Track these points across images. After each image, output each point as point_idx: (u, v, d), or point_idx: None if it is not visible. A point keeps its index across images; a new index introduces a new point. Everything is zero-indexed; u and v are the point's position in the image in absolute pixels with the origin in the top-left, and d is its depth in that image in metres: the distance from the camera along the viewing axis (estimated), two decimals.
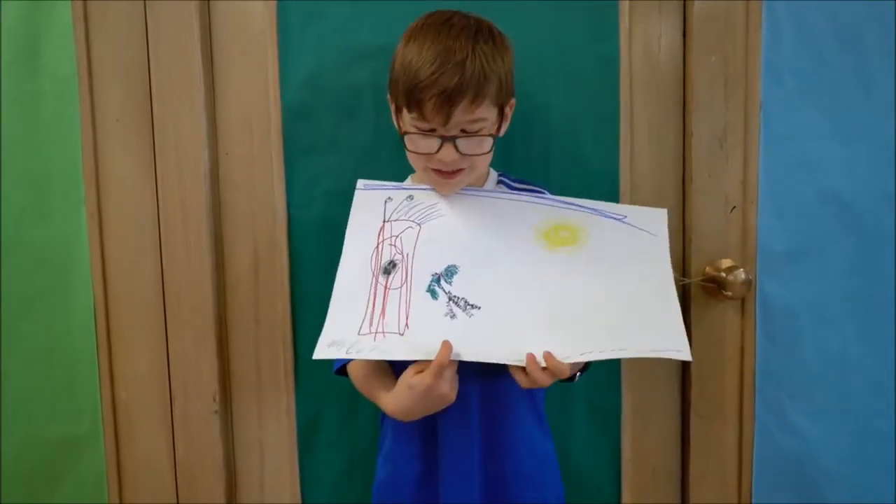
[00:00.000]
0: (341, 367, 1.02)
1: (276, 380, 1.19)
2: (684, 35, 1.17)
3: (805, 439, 1.22)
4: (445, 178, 0.95)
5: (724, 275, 1.14)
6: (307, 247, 1.16)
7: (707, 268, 1.17)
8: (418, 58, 0.88)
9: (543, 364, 0.86)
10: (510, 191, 1.03)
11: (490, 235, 0.96)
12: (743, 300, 1.18)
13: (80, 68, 1.10)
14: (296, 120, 1.15)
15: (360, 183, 0.99)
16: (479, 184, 1.02)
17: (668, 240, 0.99)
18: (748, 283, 1.14)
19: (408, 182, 1.05)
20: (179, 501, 1.18)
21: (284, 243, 1.17)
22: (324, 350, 0.87)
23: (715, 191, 1.17)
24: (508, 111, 0.97)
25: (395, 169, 1.07)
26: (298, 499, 1.22)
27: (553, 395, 1.14)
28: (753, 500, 1.23)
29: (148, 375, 1.16)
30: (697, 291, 1.18)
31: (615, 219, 0.99)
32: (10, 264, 1.13)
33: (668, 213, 1.00)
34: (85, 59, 1.11)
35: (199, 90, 1.11)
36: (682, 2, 1.17)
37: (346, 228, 0.96)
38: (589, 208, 0.99)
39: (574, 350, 0.87)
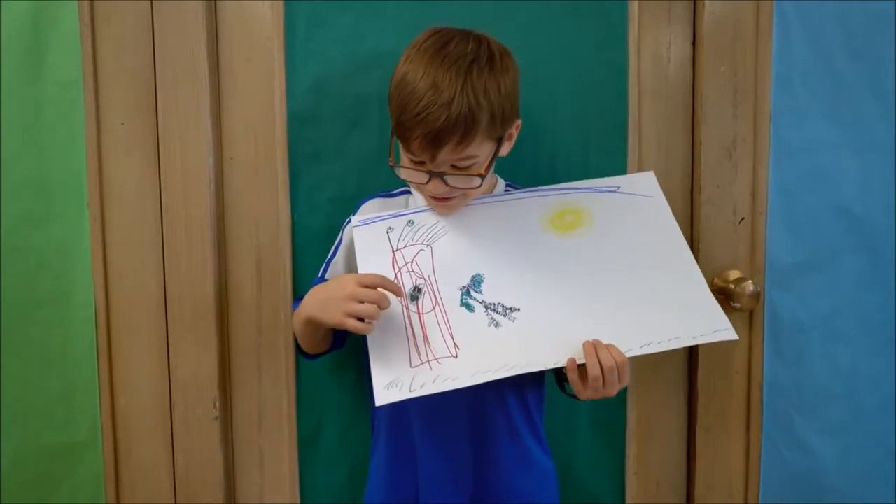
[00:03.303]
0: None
1: (278, 387, 1.18)
2: (693, 44, 1.17)
3: (814, 456, 1.20)
4: (440, 201, 0.95)
5: (732, 286, 1.13)
6: (311, 254, 1.15)
7: (715, 279, 1.16)
8: (410, 88, 0.86)
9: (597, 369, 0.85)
10: (503, 193, 1.02)
11: (501, 238, 0.96)
12: (751, 313, 1.17)
13: (85, 71, 1.10)
14: (301, 126, 1.15)
15: (355, 220, 0.97)
16: (484, 192, 1.01)
17: (665, 200, 1.00)
18: (756, 296, 1.13)
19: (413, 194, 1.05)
20: None
21: (288, 250, 1.16)
22: (384, 394, 0.84)
23: (723, 201, 1.16)
24: (514, 132, 0.96)
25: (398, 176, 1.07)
26: None
27: (557, 409, 1.13)
28: None
29: (148, 381, 1.15)
30: None
31: (610, 191, 1.00)
32: (10, 270, 1.12)
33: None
34: (90, 63, 1.10)
35: (204, 95, 1.11)
36: (691, 11, 1.16)
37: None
38: (583, 188, 1.00)
39: (634, 342, 0.87)
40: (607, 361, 0.84)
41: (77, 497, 1.16)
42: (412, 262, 0.94)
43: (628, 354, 0.86)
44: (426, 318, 0.90)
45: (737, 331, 1.15)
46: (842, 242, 1.18)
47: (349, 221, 1.06)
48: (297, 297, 1.14)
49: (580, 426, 1.21)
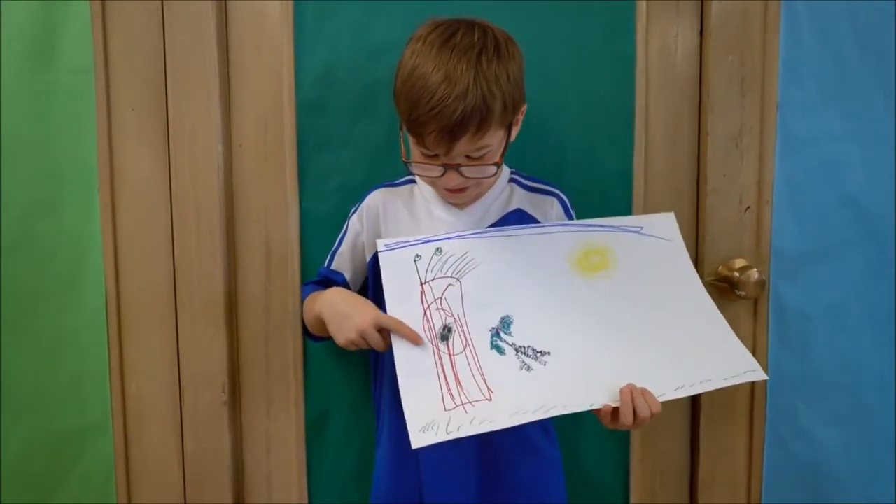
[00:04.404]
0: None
1: (286, 373, 1.19)
2: (701, 34, 1.17)
3: (818, 446, 1.21)
4: (452, 193, 0.96)
5: (736, 275, 1.14)
6: (319, 241, 1.16)
7: (720, 267, 1.17)
8: (421, 83, 0.86)
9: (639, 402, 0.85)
10: (529, 226, 1.01)
11: (528, 276, 0.95)
12: (756, 301, 1.18)
13: (96, 59, 1.11)
14: (310, 115, 1.16)
15: (381, 244, 0.95)
16: (491, 182, 1.02)
17: (683, 244, 1.01)
18: (761, 284, 1.13)
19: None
20: (187, 492, 1.18)
21: (296, 237, 1.17)
22: (419, 437, 0.82)
23: (729, 190, 1.16)
24: (520, 117, 0.96)
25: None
26: (305, 492, 1.22)
27: None
28: None
29: (158, 366, 1.16)
30: (710, 291, 1.15)
31: (633, 232, 1.00)
32: (21, 256, 1.13)
33: (681, 213, 1.02)
34: (102, 51, 1.11)
35: (214, 83, 1.12)
36: (699, 1, 1.16)
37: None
38: (608, 227, 1.00)
39: (668, 386, 0.87)
40: (643, 412, 0.84)
41: (88, 479, 1.18)
42: (441, 298, 0.93)
43: (662, 399, 0.85)
44: (457, 359, 0.89)
45: (741, 319, 1.18)
46: (848, 233, 1.18)
47: (355, 211, 1.07)
48: (304, 281, 1.16)
49: (586, 415, 1.21)
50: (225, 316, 1.15)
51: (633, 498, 1.24)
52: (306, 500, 1.22)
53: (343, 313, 0.93)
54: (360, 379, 1.19)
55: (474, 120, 0.84)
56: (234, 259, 1.18)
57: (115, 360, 1.16)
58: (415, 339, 0.89)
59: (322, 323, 0.98)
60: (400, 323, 0.89)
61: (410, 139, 0.92)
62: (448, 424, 0.83)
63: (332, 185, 1.17)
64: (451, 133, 0.85)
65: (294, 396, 1.19)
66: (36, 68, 1.10)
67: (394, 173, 1.10)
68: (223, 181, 1.14)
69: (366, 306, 0.93)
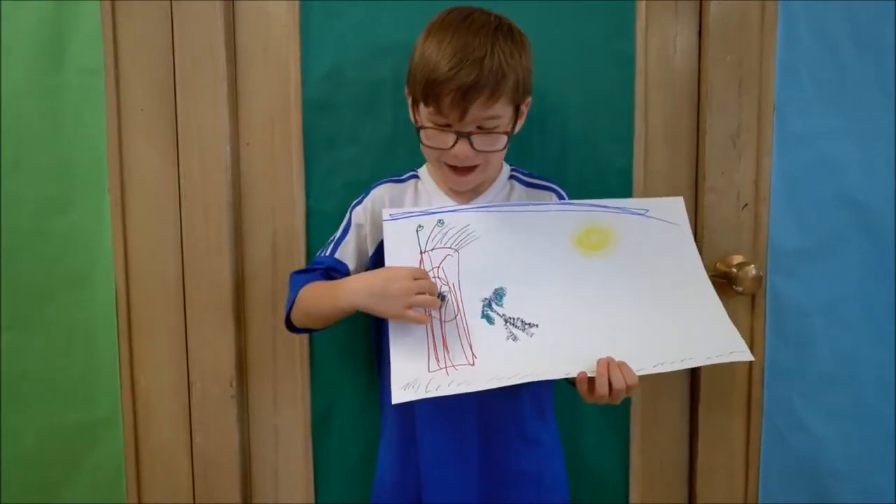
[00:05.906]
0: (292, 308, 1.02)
1: (292, 367, 1.21)
2: (700, 35, 1.19)
3: (814, 438, 1.22)
4: (459, 174, 0.97)
5: (734, 271, 1.16)
6: (325, 238, 1.16)
7: (718, 264, 1.19)
8: (437, 53, 0.89)
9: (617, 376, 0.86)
10: (533, 203, 1.03)
11: (527, 251, 0.97)
12: (753, 297, 1.20)
13: (106, 60, 1.13)
14: (316, 113, 1.17)
15: (386, 213, 0.97)
16: (492, 178, 1.04)
17: (689, 227, 1.02)
18: (759, 280, 1.15)
19: (423, 171, 1.07)
20: (195, 484, 1.20)
21: (303, 234, 1.19)
22: (400, 394, 0.85)
23: (727, 188, 1.18)
24: (524, 109, 0.99)
25: (411, 162, 1.10)
26: (312, 485, 1.24)
27: (563, 388, 1.16)
28: (760, 497, 1.24)
29: (167, 361, 1.18)
30: None
31: (639, 214, 1.01)
32: (32, 253, 1.15)
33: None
34: (112, 52, 1.13)
35: (222, 83, 1.13)
36: (697, 2, 1.18)
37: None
38: (613, 207, 1.01)
39: (647, 362, 0.89)
40: (618, 384, 0.86)
41: (98, 473, 1.20)
42: (439, 267, 0.95)
43: (640, 373, 0.87)
44: (447, 325, 0.92)
45: (739, 314, 1.19)
46: (845, 230, 1.19)
47: (360, 202, 1.08)
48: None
49: (586, 406, 1.23)
50: (233, 312, 1.17)
51: (632, 488, 1.26)
52: (313, 493, 1.24)
53: (381, 291, 0.90)
54: (365, 373, 1.21)
55: (489, 84, 0.87)
56: (241, 256, 1.19)
57: (125, 355, 1.18)
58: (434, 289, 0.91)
59: (340, 316, 0.98)
60: (424, 270, 0.92)
61: (423, 112, 0.94)
62: (428, 384, 0.86)
63: (338, 182, 1.18)
64: (466, 95, 0.87)
65: (300, 391, 1.21)
66: (47, 69, 1.12)
67: (399, 171, 1.11)
68: (231, 179, 1.16)
69: (392, 271, 0.93)
